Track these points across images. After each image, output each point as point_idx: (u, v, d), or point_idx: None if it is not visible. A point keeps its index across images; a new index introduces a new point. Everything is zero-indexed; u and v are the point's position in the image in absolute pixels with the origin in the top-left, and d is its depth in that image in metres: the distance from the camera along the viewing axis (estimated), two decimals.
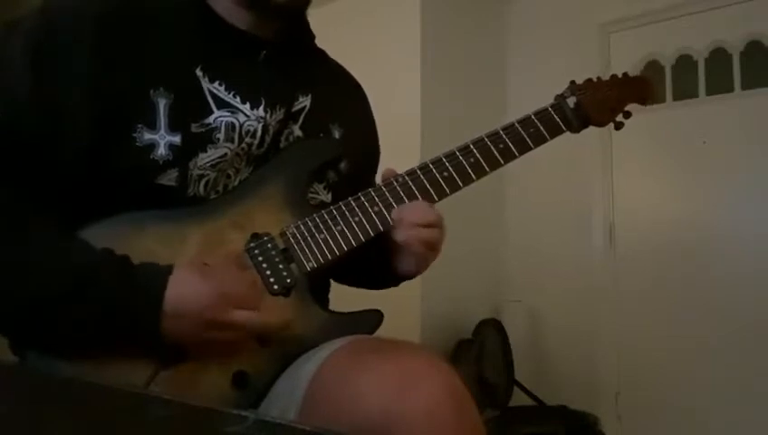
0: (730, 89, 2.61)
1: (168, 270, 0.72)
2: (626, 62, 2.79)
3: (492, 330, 2.60)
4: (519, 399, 2.54)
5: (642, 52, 2.81)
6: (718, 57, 2.65)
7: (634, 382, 2.67)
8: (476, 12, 3.00)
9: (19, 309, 0.70)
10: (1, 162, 0.71)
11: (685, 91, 2.71)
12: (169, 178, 0.77)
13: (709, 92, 2.67)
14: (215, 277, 0.73)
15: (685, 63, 2.73)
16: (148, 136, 0.75)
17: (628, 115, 1.01)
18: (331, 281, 0.97)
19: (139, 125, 0.75)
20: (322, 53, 0.99)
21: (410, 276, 0.94)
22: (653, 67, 2.79)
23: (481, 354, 2.51)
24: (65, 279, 0.69)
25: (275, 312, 0.78)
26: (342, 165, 0.90)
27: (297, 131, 0.88)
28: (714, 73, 2.66)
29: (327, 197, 0.89)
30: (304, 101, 0.89)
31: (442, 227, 0.87)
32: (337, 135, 0.92)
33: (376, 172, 1.02)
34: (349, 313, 0.85)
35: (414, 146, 2.49)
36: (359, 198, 0.84)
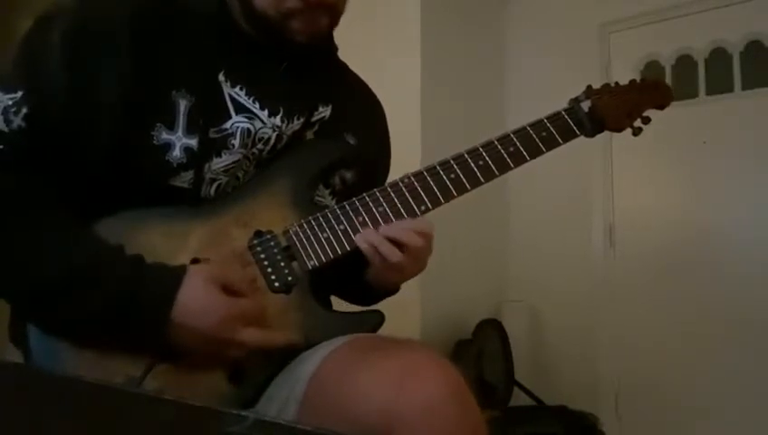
0: (730, 89, 2.61)
1: (181, 274, 0.72)
2: (626, 62, 2.79)
3: (492, 330, 2.59)
4: (519, 399, 2.54)
5: (642, 52, 2.81)
6: (718, 57, 2.65)
7: (634, 382, 2.67)
8: (476, 12, 3.00)
9: (26, 290, 0.71)
10: (29, 152, 0.72)
11: (685, 91, 2.71)
12: (183, 180, 0.78)
13: (709, 92, 2.66)
14: (224, 294, 0.73)
15: (685, 63, 2.73)
16: (165, 136, 0.76)
17: (647, 121, 0.98)
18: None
19: (158, 124, 0.76)
20: (344, 66, 0.99)
21: (380, 290, 0.92)
22: (653, 67, 2.79)
23: (481, 354, 2.51)
24: (69, 269, 0.69)
25: (277, 315, 0.78)
26: (349, 175, 0.90)
27: (310, 136, 0.88)
28: (714, 73, 2.65)
29: (331, 202, 0.89)
30: (324, 112, 0.90)
31: (418, 245, 0.81)
32: (351, 142, 0.92)
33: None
34: (350, 312, 0.85)
35: (414, 146, 2.48)
36: (363, 198, 0.84)
